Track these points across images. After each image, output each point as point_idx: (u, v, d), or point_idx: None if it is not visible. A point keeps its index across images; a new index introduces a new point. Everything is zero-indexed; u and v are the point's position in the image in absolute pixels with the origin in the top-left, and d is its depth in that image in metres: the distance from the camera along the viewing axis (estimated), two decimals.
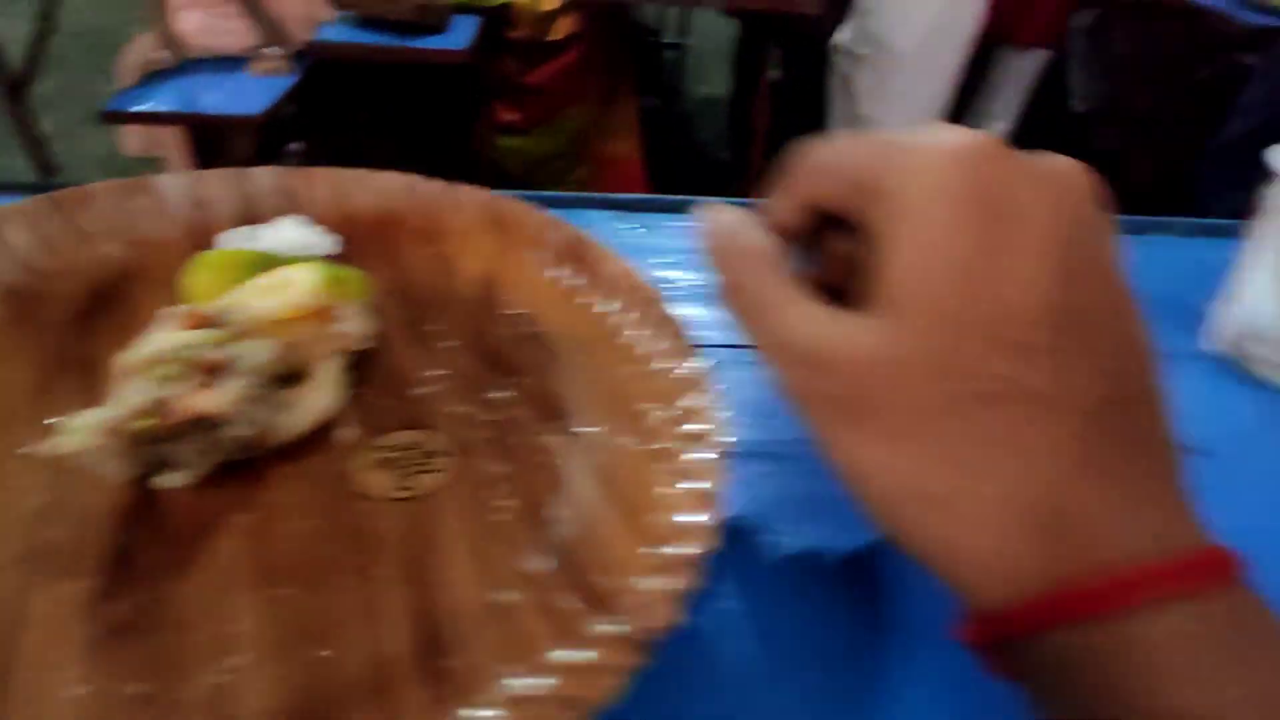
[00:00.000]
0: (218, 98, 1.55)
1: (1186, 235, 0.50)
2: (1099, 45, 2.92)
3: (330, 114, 1.88)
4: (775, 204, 0.21)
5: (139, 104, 1.52)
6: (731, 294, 0.20)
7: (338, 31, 1.66)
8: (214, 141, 1.61)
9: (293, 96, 1.67)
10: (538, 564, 0.25)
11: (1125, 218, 0.51)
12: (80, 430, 0.25)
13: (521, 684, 0.20)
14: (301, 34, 1.71)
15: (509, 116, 1.95)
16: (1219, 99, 2.26)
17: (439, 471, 0.28)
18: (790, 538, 0.29)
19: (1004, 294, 0.16)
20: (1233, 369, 0.39)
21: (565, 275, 0.37)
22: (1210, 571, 0.16)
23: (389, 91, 1.87)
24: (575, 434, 0.30)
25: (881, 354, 0.17)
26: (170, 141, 1.75)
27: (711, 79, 3.36)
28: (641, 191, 2.04)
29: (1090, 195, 0.18)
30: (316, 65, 1.71)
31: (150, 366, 0.25)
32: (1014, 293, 0.16)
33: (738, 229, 0.21)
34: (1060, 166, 0.18)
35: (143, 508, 0.26)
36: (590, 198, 0.48)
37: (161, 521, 0.26)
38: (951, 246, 0.16)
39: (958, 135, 0.17)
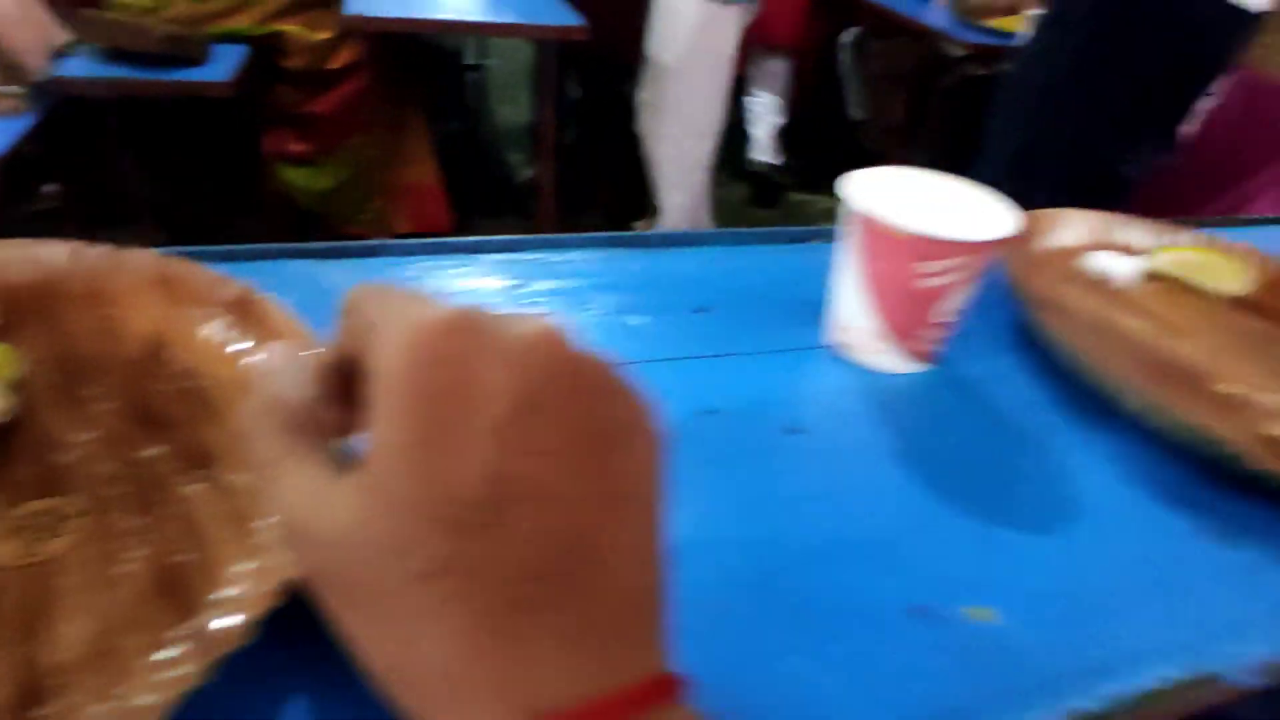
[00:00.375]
0: None
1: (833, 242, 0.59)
2: (862, 59, 3.24)
3: (85, 153, 1.74)
4: (333, 338, 0.21)
5: None
6: (249, 448, 0.20)
7: (80, 65, 1.54)
8: None
9: (37, 136, 1.53)
10: (154, 608, 0.27)
11: (786, 229, 0.60)
12: None
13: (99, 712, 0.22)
14: (38, 67, 1.57)
15: (293, 147, 1.89)
16: (960, 106, 2.59)
17: (70, 534, 0.29)
18: None
19: (447, 474, 0.17)
20: (838, 356, 0.47)
21: (230, 331, 0.38)
22: (642, 700, 0.18)
23: (151, 127, 1.75)
24: (218, 483, 0.32)
25: (350, 530, 0.17)
26: None
27: (515, 99, 3.39)
28: (443, 218, 2.04)
29: (557, 360, 0.18)
30: (64, 101, 1.58)
31: None
32: (456, 472, 0.17)
33: (274, 375, 0.21)
34: (527, 335, 0.18)
35: None
36: (289, 248, 0.50)
37: None
38: (405, 428, 0.17)
39: (426, 312, 0.17)
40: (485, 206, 2.53)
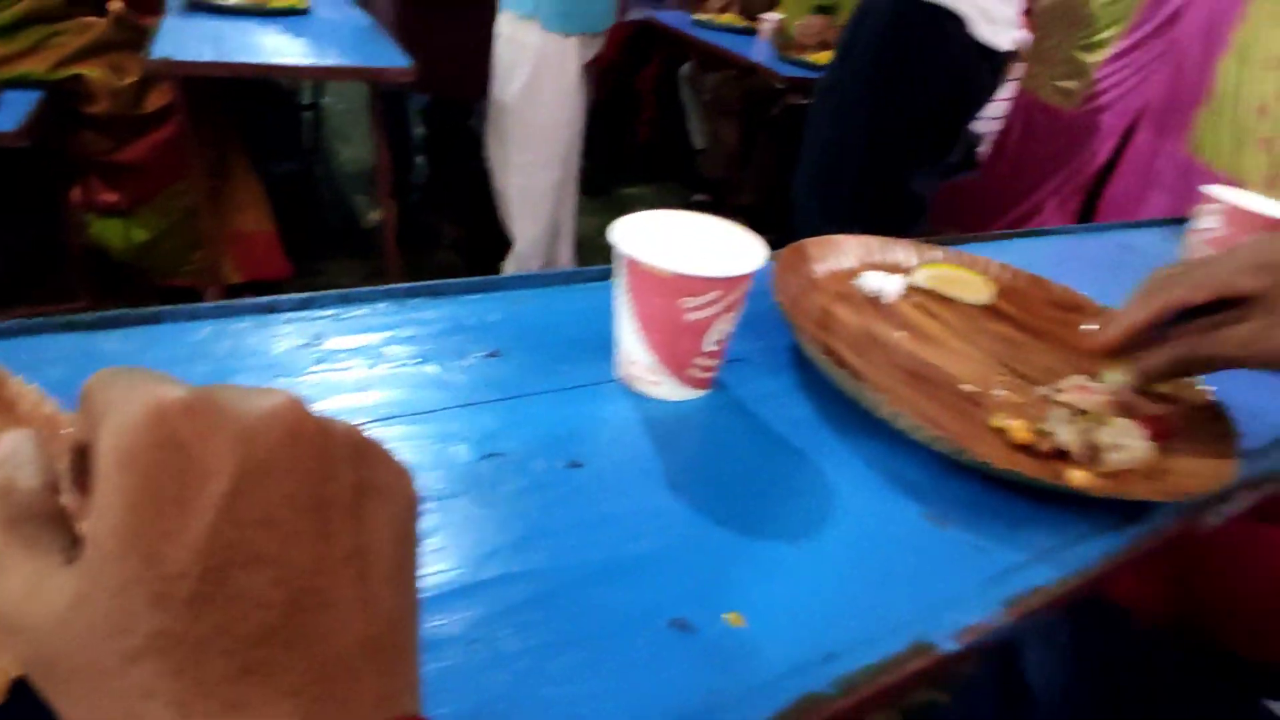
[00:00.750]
0: None
1: None
2: (698, 91, 3.40)
3: None
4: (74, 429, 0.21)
5: None
6: None
7: None
8: None
9: None
10: None
11: (586, 270, 0.63)
12: None
13: None
14: None
15: (104, 198, 1.77)
16: (789, 133, 2.77)
17: None
18: None
19: (164, 551, 0.17)
20: (626, 389, 0.50)
21: None
22: None
23: None
24: None
25: (67, 616, 0.17)
26: None
27: (356, 139, 3.31)
28: (279, 266, 1.96)
29: (290, 432, 0.19)
30: None
31: None
32: (172, 549, 0.17)
33: (3, 462, 0.20)
34: (260, 409, 0.19)
35: None
36: (55, 321, 0.47)
37: None
38: (122, 511, 0.17)
39: (155, 395, 0.18)
40: (329, 251, 2.45)
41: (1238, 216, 0.81)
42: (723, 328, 0.47)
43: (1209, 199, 0.84)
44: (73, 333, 0.47)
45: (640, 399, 0.49)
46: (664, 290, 0.45)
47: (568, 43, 1.87)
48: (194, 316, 0.51)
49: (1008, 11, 1.54)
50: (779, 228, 1.59)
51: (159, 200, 1.77)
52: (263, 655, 0.18)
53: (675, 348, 0.47)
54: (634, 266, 0.45)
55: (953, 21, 1.48)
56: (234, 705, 0.18)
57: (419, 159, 2.74)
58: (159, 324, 0.50)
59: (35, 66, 1.62)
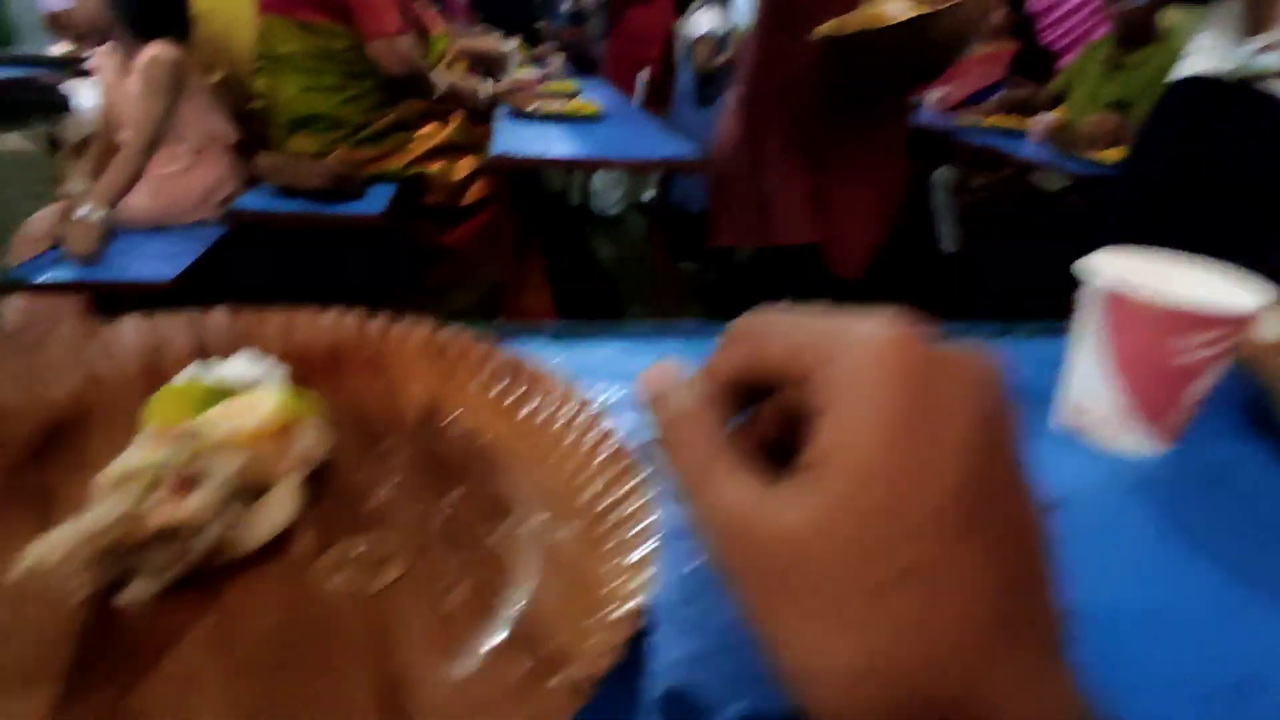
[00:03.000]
0: (126, 264, 1.56)
1: (1034, 336, 0.59)
2: (958, 198, 3.31)
3: (248, 282, 1.91)
4: (716, 364, 0.22)
5: (42, 274, 1.52)
6: (668, 456, 0.20)
7: (255, 199, 1.73)
8: (117, 311, 1.60)
9: (207, 264, 1.70)
10: (491, 640, 0.27)
11: (989, 324, 0.60)
12: (48, 547, 0.26)
13: None
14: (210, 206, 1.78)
15: (427, 278, 2.03)
16: (1062, 236, 2.61)
17: (394, 570, 0.30)
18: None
19: (923, 479, 0.17)
20: (1074, 439, 0.45)
21: (504, 393, 0.40)
22: None
23: (308, 258, 1.92)
24: (520, 526, 0.33)
25: (806, 531, 0.17)
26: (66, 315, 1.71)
27: (615, 237, 3.58)
28: None
29: (1000, 386, 0.19)
30: (233, 233, 1.76)
31: (125, 481, 0.27)
32: (932, 479, 0.17)
33: (677, 389, 0.21)
34: (975, 359, 0.19)
35: (102, 622, 0.27)
36: (518, 326, 0.53)
37: (121, 633, 0.27)
38: (879, 429, 0.17)
39: (894, 322, 0.18)
40: None
41: None
42: (1213, 375, 0.42)
43: None
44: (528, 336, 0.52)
45: (1093, 449, 0.44)
46: (1157, 327, 0.41)
47: None
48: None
49: None
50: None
51: (469, 282, 2.01)
52: (997, 613, 0.17)
53: (1156, 393, 0.42)
54: (1119, 302, 0.42)
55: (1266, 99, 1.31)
56: (983, 650, 0.17)
57: None
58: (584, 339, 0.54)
59: (392, 165, 1.93)
